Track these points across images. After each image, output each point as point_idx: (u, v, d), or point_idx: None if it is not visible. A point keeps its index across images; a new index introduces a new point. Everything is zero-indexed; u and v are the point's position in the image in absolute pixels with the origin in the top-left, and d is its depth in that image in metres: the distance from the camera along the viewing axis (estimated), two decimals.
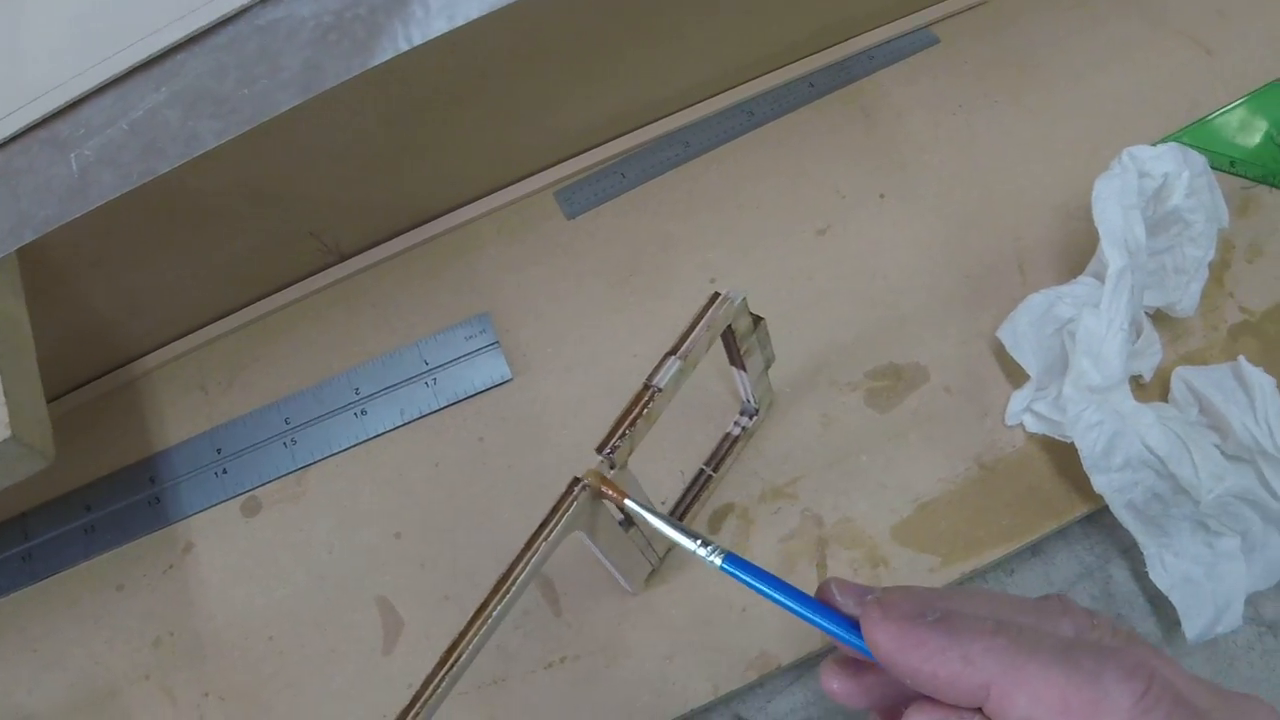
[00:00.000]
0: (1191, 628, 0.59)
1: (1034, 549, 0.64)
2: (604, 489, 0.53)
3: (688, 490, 0.65)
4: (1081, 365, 0.61)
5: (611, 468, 0.52)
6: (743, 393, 0.64)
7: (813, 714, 0.61)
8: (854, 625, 0.42)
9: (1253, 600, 0.62)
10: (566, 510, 0.51)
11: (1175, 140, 0.70)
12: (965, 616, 0.40)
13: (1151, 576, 0.60)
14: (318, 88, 0.55)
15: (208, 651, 0.66)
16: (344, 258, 0.74)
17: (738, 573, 0.46)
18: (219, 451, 0.70)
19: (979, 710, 0.38)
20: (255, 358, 0.74)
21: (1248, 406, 0.62)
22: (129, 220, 0.63)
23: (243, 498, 0.69)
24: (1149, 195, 0.62)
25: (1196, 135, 0.73)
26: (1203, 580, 0.60)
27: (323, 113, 0.62)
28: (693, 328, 0.54)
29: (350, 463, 0.70)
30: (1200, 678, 0.40)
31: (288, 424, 0.70)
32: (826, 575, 0.62)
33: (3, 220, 0.56)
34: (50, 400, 0.71)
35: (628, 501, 0.52)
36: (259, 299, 0.74)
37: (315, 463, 0.70)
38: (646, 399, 0.53)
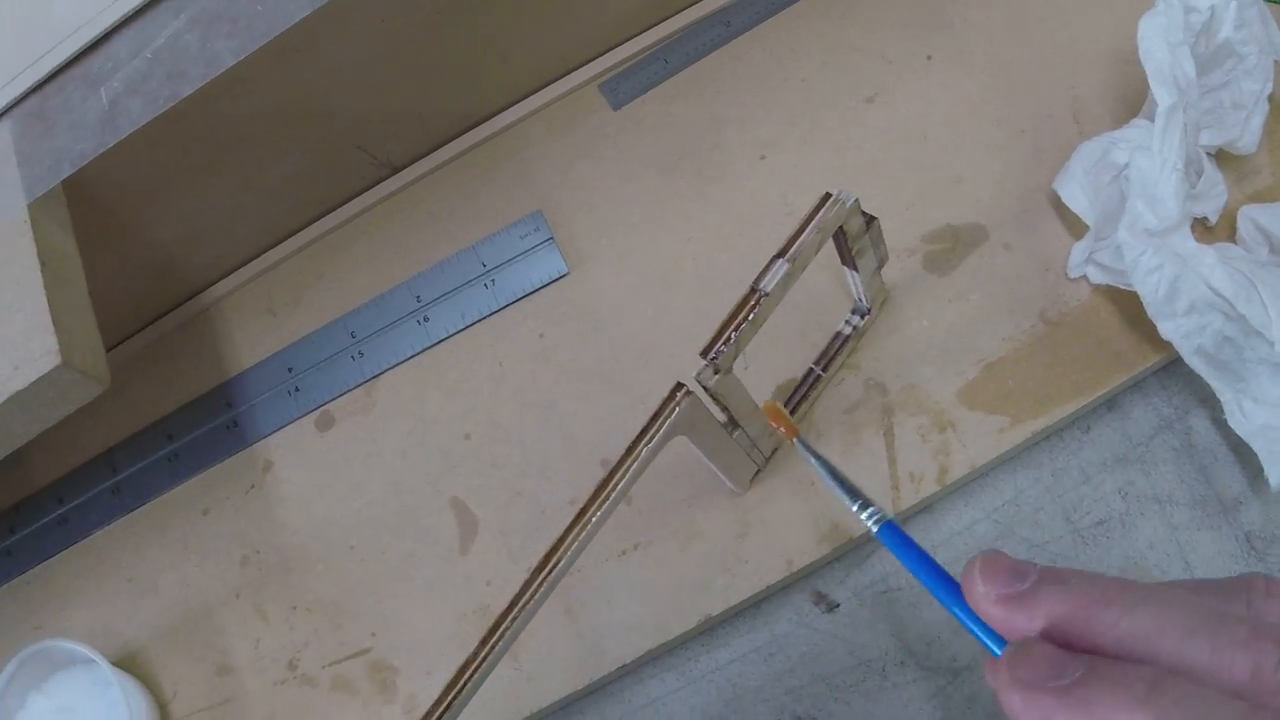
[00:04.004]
0: (1275, 475, 0.57)
1: (1109, 404, 0.63)
2: (777, 424, 0.53)
3: (796, 390, 0.64)
4: (1137, 209, 0.59)
5: (715, 372, 0.51)
6: (855, 292, 0.63)
7: (891, 584, 0.61)
8: (993, 632, 0.38)
9: None
10: (669, 416, 0.51)
11: None
12: (1111, 676, 0.33)
13: (1231, 424, 0.58)
14: None
15: (293, 565, 0.68)
16: (396, 170, 0.75)
17: (893, 546, 0.44)
18: (290, 370, 0.72)
19: None
20: (319, 276, 0.75)
21: None
22: (174, 151, 0.65)
23: (316, 413, 0.71)
24: (1197, 30, 0.60)
25: None
26: None
27: (349, 23, 0.63)
28: (802, 229, 0.53)
29: (416, 370, 0.71)
30: None
31: (354, 337, 0.71)
32: (894, 444, 0.62)
33: (42, 158, 0.58)
34: (127, 337, 0.74)
35: (797, 440, 0.52)
36: (318, 218, 0.76)
37: (383, 373, 0.71)
38: (753, 303, 0.52)
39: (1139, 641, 0.34)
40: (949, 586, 0.41)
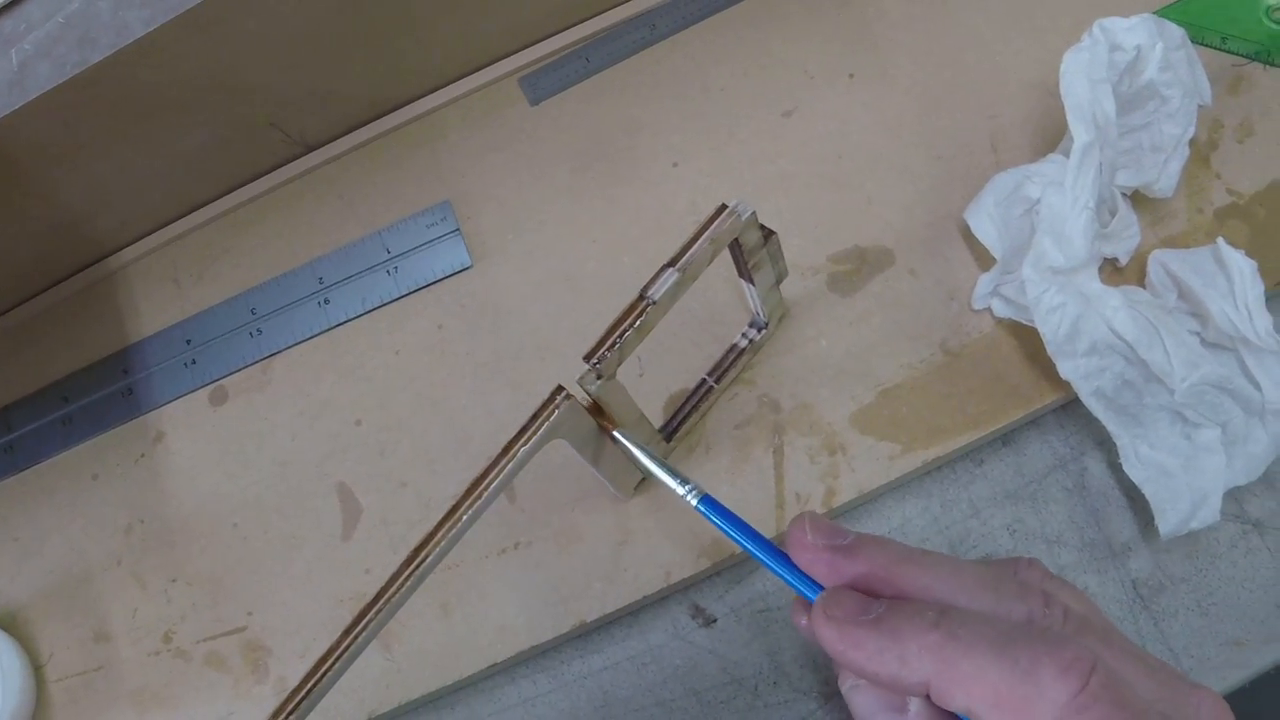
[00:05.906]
0: (1165, 522, 0.57)
1: (1005, 439, 0.63)
2: (599, 419, 0.53)
3: (687, 401, 0.63)
4: (1044, 245, 0.59)
5: (598, 378, 0.51)
6: (752, 305, 0.63)
7: (770, 604, 0.61)
8: (813, 583, 0.46)
9: (1237, 496, 0.61)
10: (546, 419, 0.50)
11: (1165, 15, 0.66)
12: (907, 609, 0.41)
13: (1125, 468, 0.58)
14: None
15: (176, 538, 0.67)
16: (310, 149, 0.74)
17: (712, 516, 0.50)
18: (189, 342, 0.71)
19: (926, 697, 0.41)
20: (226, 250, 0.74)
21: (1227, 291, 0.59)
22: (86, 114, 0.63)
23: (211, 387, 0.70)
24: (1121, 69, 0.59)
25: (1186, 10, 0.69)
26: (1179, 473, 0.58)
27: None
28: (694, 240, 0.52)
29: (313, 351, 0.70)
30: (1153, 663, 0.42)
31: (254, 314, 0.71)
32: (783, 462, 0.62)
33: None
34: (29, 297, 0.73)
35: (617, 433, 0.53)
36: (228, 192, 0.75)
37: (280, 352, 0.70)
38: (640, 310, 0.51)
39: (937, 593, 0.43)
40: (766, 547, 0.48)
